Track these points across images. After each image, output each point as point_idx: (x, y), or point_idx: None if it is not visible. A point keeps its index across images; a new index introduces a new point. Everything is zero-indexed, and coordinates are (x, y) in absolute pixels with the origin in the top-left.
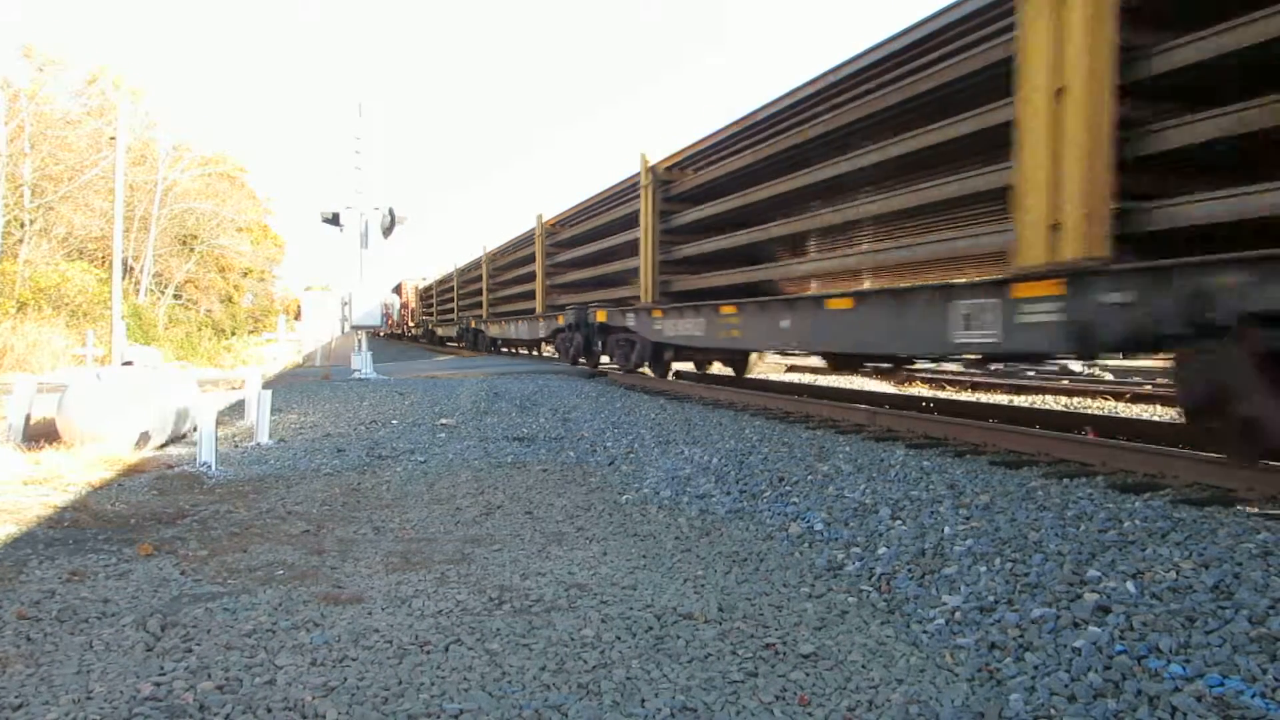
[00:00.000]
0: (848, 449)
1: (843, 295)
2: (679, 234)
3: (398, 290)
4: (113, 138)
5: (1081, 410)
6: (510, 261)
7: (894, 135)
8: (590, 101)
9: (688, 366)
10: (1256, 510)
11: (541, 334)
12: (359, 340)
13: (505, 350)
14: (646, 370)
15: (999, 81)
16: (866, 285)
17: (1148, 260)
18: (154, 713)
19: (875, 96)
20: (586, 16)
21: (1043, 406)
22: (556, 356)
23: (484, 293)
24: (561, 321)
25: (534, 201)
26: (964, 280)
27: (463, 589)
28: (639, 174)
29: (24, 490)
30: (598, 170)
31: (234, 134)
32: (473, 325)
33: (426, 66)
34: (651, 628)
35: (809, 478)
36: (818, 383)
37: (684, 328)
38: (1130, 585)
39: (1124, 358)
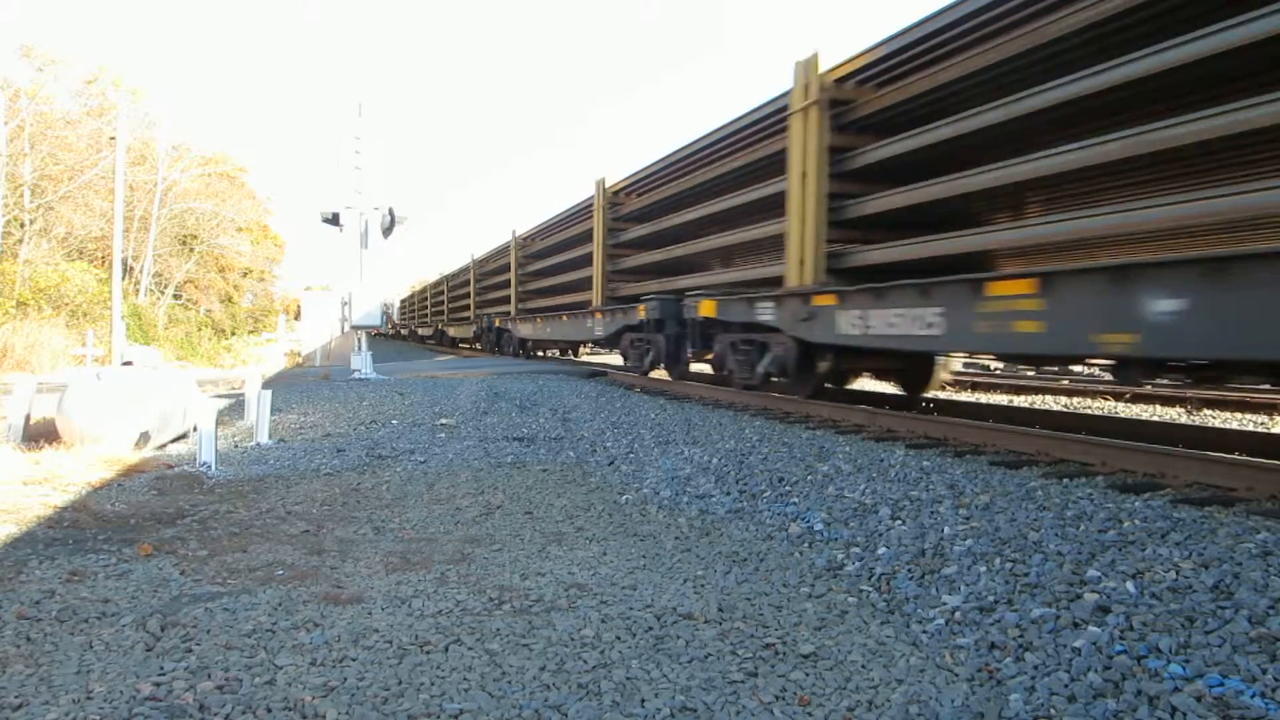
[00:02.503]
0: (847, 449)
1: (707, 298)
2: (624, 248)
3: None
4: (113, 138)
5: (1082, 410)
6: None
7: (738, 190)
8: (590, 100)
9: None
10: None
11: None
12: (359, 340)
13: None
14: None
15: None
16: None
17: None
18: (154, 713)
19: (718, 162)
20: (586, 17)
21: (1042, 406)
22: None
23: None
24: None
25: (532, 201)
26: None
27: (462, 589)
28: (592, 196)
29: (24, 490)
30: (596, 170)
31: (234, 134)
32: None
33: (426, 66)
34: (651, 628)
35: (809, 478)
36: None
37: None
38: (1130, 585)
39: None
